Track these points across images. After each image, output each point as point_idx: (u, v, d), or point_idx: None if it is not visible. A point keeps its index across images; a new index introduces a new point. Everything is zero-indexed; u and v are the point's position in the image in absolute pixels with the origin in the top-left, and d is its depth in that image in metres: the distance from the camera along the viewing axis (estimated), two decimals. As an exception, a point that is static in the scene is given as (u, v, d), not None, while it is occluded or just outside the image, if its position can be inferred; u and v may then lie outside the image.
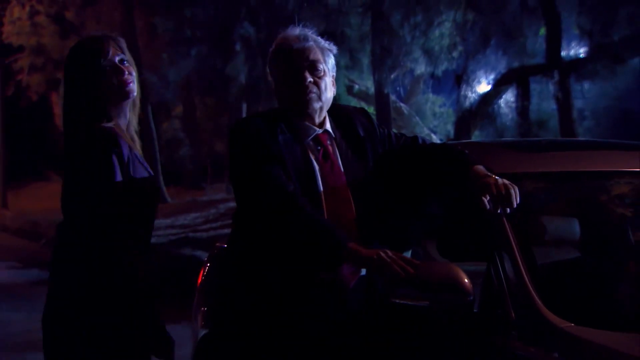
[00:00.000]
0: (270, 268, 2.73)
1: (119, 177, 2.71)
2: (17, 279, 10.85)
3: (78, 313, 2.74)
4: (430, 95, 19.04)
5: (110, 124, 2.80)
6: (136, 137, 2.92)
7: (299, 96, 2.80)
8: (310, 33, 2.88)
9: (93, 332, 2.72)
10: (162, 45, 17.10)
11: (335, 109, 2.94)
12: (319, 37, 2.90)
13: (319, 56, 2.85)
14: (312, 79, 2.80)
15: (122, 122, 2.86)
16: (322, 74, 2.83)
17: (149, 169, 2.90)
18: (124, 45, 2.86)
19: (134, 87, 2.83)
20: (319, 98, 2.82)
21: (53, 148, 22.25)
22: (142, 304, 2.78)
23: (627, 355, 2.23)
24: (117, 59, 2.81)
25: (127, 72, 2.81)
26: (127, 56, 2.85)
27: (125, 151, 2.74)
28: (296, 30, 2.88)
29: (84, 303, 2.73)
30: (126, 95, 2.82)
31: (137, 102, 2.91)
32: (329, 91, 2.86)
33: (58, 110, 22.09)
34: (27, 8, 20.22)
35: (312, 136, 2.83)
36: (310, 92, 2.80)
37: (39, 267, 11.21)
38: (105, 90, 2.80)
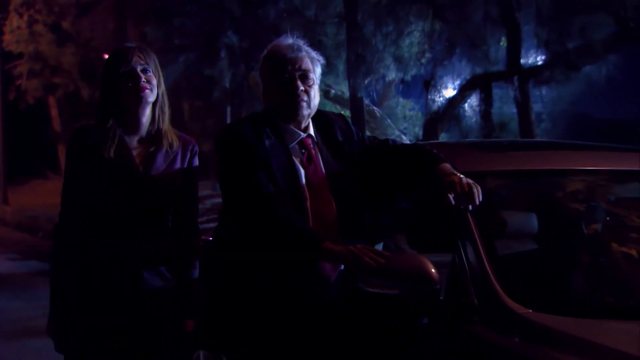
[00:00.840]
0: (254, 262, 2.70)
1: (73, 174, 2.77)
2: (17, 269, 10.76)
3: (74, 307, 2.74)
4: (401, 99, 19.01)
5: (103, 125, 2.80)
6: (162, 138, 2.87)
7: (291, 103, 2.76)
8: (302, 44, 2.84)
9: (89, 327, 2.73)
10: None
11: (317, 115, 2.90)
12: (309, 48, 2.86)
13: (310, 66, 2.81)
14: (303, 88, 2.76)
15: (136, 125, 2.84)
16: (312, 82, 2.80)
17: (154, 171, 2.83)
18: (150, 57, 2.85)
19: (150, 93, 2.81)
20: (309, 105, 2.79)
21: (50, 148, 22.05)
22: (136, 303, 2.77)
23: (580, 338, 2.25)
24: (139, 67, 2.80)
25: (144, 80, 2.79)
26: (152, 67, 2.84)
27: (91, 151, 2.75)
28: (289, 40, 2.83)
29: (78, 300, 2.75)
30: (138, 99, 2.81)
31: (166, 108, 2.90)
32: (316, 99, 2.82)
33: (54, 112, 22.00)
34: (26, 17, 20.00)
35: (297, 140, 2.80)
36: (302, 100, 2.76)
37: (37, 258, 11.14)
38: (119, 92, 2.80)
